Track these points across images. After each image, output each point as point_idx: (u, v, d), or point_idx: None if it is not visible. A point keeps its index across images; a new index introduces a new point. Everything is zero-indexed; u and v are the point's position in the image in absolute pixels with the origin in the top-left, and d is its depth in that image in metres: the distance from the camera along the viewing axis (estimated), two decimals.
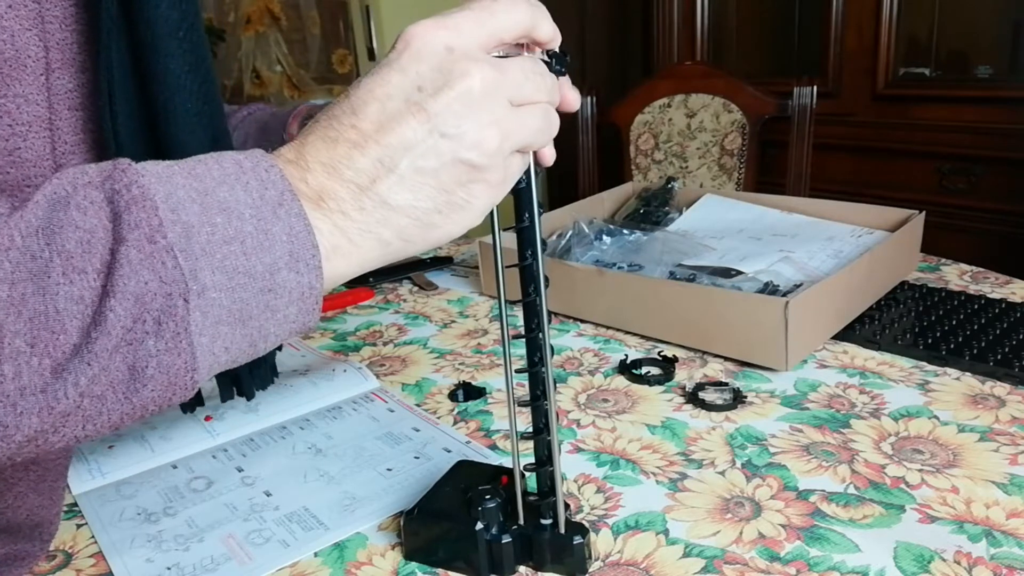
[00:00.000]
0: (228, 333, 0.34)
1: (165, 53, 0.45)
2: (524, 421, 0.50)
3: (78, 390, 0.32)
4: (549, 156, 0.44)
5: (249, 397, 0.60)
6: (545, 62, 0.43)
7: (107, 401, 0.33)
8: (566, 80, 0.45)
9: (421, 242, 0.38)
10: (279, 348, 0.55)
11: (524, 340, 0.47)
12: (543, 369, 0.47)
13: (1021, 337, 0.78)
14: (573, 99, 0.44)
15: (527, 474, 0.50)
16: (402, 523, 0.52)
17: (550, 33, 0.42)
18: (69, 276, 0.31)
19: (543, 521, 0.50)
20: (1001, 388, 0.71)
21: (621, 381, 0.77)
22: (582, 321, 0.93)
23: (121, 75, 0.44)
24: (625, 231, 1.04)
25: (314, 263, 0.35)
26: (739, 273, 0.89)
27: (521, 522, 0.50)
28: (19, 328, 0.30)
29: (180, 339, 0.33)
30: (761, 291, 0.84)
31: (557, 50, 0.45)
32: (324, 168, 0.36)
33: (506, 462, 0.64)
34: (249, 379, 0.64)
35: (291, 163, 0.36)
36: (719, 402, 0.71)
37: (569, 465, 0.63)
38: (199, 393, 0.55)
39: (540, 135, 0.39)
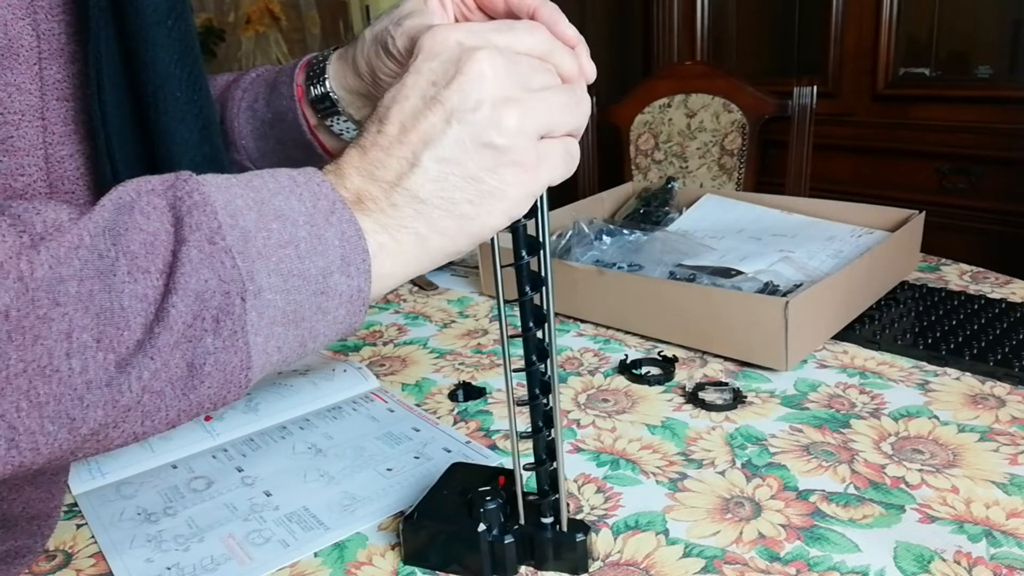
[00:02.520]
0: (282, 333, 0.36)
1: (154, 43, 0.46)
2: (524, 421, 0.50)
3: (141, 384, 0.33)
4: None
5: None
6: None
7: (166, 397, 0.34)
8: (584, 50, 0.45)
9: (461, 235, 0.39)
10: None
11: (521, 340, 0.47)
12: (541, 368, 0.47)
13: (1021, 337, 0.78)
14: (589, 70, 0.44)
15: (527, 474, 0.50)
16: (400, 528, 0.52)
17: (572, 37, 0.44)
18: (134, 275, 0.33)
19: (544, 520, 0.50)
20: (1001, 388, 0.71)
21: (621, 381, 0.78)
22: (582, 321, 0.93)
23: (110, 65, 0.44)
24: (625, 231, 1.04)
25: (364, 267, 0.37)
26: (739, 273, 0.89)
27: (522, 522, 0.50)
28: (87, 323, 0.32)
29: (237, 337, 0.34)
30: (761, 291, 0.84)
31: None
32: (358, 172, 0.38)
33: (506, 462, 0.64)
34: None
35: (331, 173, 0.38)
36: (719, 402, 0.71)
37: (569, 465, 0.63)
38: None
39: (567, 113, 0.39)
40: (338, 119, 0.59)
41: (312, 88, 0.59)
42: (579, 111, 0.40)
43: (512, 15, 0.48)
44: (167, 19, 0.46)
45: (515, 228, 0.44)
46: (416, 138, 0.37)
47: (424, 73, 0.38)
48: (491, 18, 0.50)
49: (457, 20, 0.51)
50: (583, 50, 0.45)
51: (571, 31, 0.45)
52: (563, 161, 0.40)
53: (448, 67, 0.37)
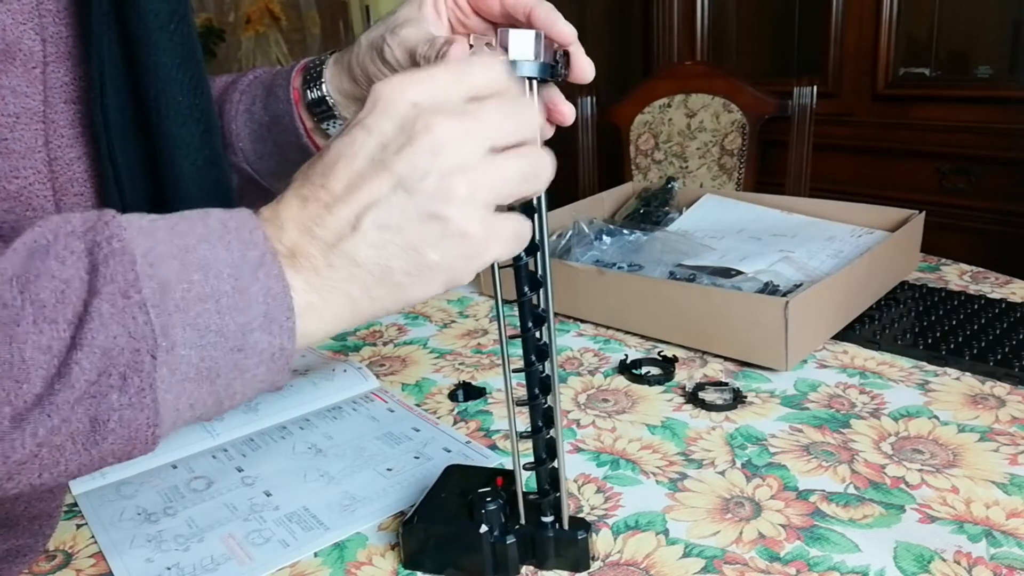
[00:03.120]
0: (194, 390, 0.34)
1: (156, 47, 0.46)
2: (524, 421, 0.50)
3: (36, 440, 0.31)
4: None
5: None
6: (551, 65, 0.43)
7: (65, 452, 0.33)
8: (558, 93, 0.44)
9: (391, 302, 0.37)
10: None
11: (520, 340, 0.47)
12: (540, 368, 0.47)
13: (1021, 337, 0.78)
14: (567, 113, 0.43)
15: (526, 473, 0.50)
16: (400, 532, 0.52)
17: (568, 34, 0.43)
18: (39, 326, 0.31)
19: (544, 519, 0.50)
20: (1001, 388, 0.71)
21: (621, 381, 0.77)
22: (582, 321, 0.93)
23: (112, 69, 0.44)
24: (625, 231, 1.04)
25: (288, 325, 0.35)
26: (739, 273, 0.89)
27: (523, 522, 0.50)
28: None
29: (144, 395, 0.33)
30: (761, 291, 0.84)
31: (564, 51, 0.45)
32: (296, 227, 0.36)
33: (506, 462, 0.64)
34: None
35: (268, 222, 0.36)
36: (719, 402, 0.71)
37: (569, 465, 0.63)
38: None
39: (525, 182, 0.37)
40: (334, 123, 0.59)
41: (308, 92, 0.59)
42: (537, 181, 0.37)
43: (508, 16, 0.48)
44: (169, 23, 0.46)
45: None
46: (360, 200, 0.35)
47: (375, 134, 0.35)
48: (488, 22, 0.51)
49: (452, 26, 0.51)
50: (579, 49, 0.45)
51: (567, 29, 0.45)
52: (512, 240, 0.37)
53: (399, 134, 0.35)
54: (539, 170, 0.37)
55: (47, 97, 0.43)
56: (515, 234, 0.37)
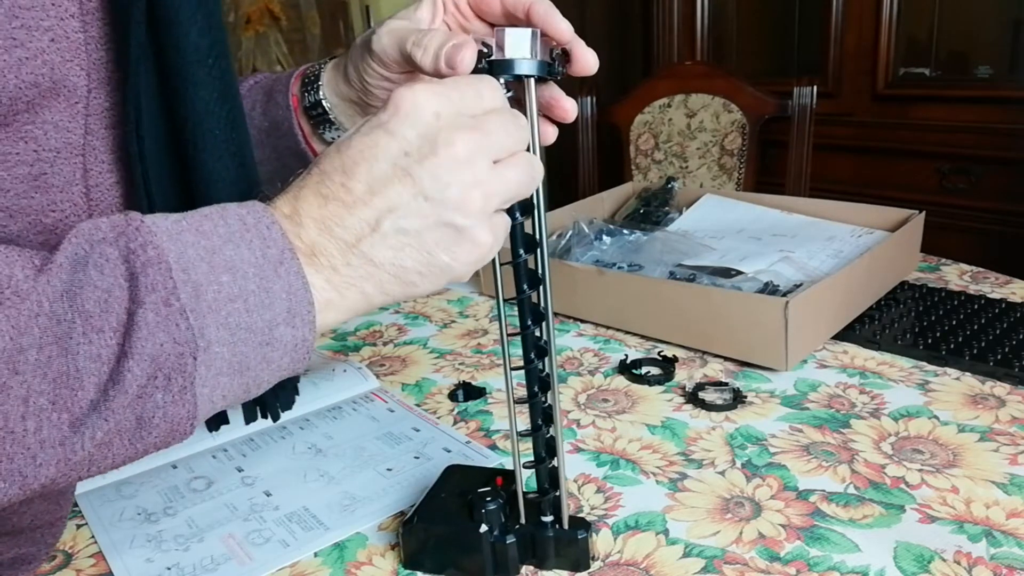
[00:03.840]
0: (227, 383, 0.36)
1: (194, 80, 0.46)
2: (524, 421, 0.50)
3: (93, 443, 0.34)
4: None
5: (275, 419, 0.61)
6: (548, 63, 0.43)
7: (113, 448, 0.35)
8: (559, 90, 0.45)
9: (400, 296, 0.40)
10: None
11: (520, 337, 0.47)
12: (539, 365, 0.47)
13: (1021, 337, 0.78)
14: (569, 108, 0.45)
15: (526, 473, 0.50)
16: (400, 532, 0.52)
17: (565, 31, 0.44)
18: (88, 336, 0.33)
19: (544, 519, 0.50)
20: (1001, 388, 0.71)
21: (621, 381, 0.77)
22: (582, 321, 0.93)
23: (148, 99, 0.45)
24: (625, 231, 1.04)
25: (309, 318, 0.37)
26: (739, 273, 0.89)
27: (523, 521, 0.50)
28: (44, 388, 0.32)
29: (186, 392, 0.35)
30: (761, 291, 0.84)
31: (562, 49, 0.45)
32: (316, 224, 0.38)
33: (506, 462, 0.64)
34: (274, 401, 0.64)
35: (287, 218, 0.38)
36: (719, 402, 0.71)
37: (569, 465, 0.63)
38: (224, 413, 0.56)
39: (523, 187, 0.40)
40: (330, 128, 0.60)
41: (306, 95, 0.59)
42: (534, 184, 0.41)
43: (509, 15, 0.48)
44: (207, 58, 0.46)
45: (512, 226, 0.44)
46: (381, 203, 0.37)
47: (397, 139, 0.37)
48: (487, 23, 0.51)
49: (451, 29, 0.52)
50: (579, 42, 0.45)
51: (565, 25, 0.45)
52: (504, 235, 0.41)
53: (422, 142, 0.37)
54: (534, 175, 0.41)
55: (88, 126, 0.43)
56: (506, 229, 0.41)
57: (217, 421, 0.62)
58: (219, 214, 0.37)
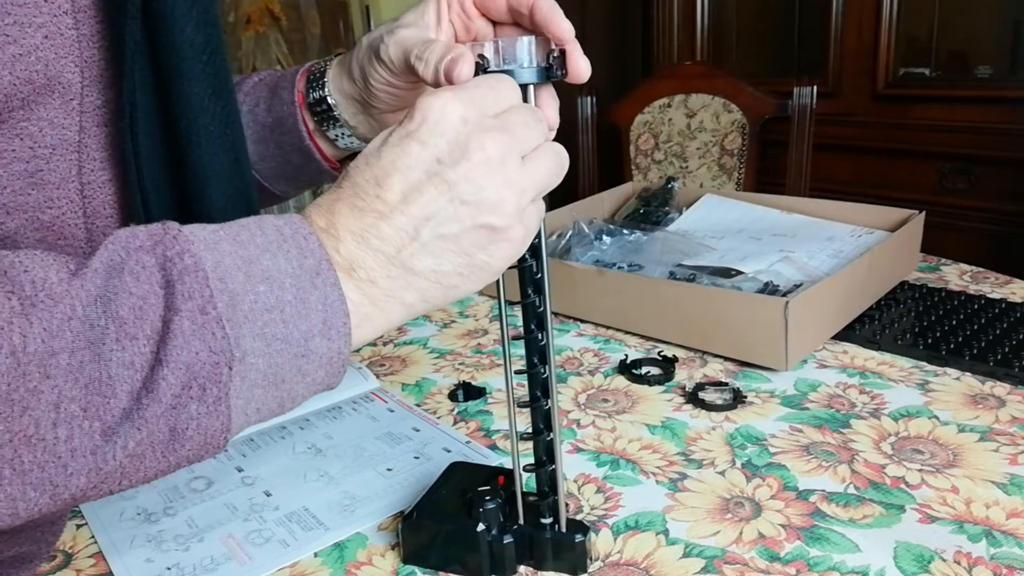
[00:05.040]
0: (261, 395, 0.36)
1: (189, 77, 0.46)
2: (524, 421, 0.50)
3: (125, 452, 0.33)
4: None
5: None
6: (546, 68, 0.44)
7: (146, 460, 0.34)
8: (576, 48, 0.45)
9: (442, 302, 0.40)
10: None
11: (523, 341, 0.47)
12: (542, 370, 0.47)
13: (1021, 337, 0.78)
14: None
15: (526, 474, 0.50)
16: (400, 527, 0.52)
17: (566, 31, 0.44)
18: (122, 342, 0.33)
19: (543, 520, 0.50)
20: (1001, 388, 0.71)
21: (621, 381, 0.77)
22: (582, 321, 0.93)
23: (143, 97, 0.44)
24: (625, 231, 1.04)
25: (344, 331, 0.37)
26: (739, 273, 0.89)
27: (521, 522, 0.50)
28: (75, 394, 0.32)
29: (220, 403, 0.34)
30: (761, 291, 0.84)
31: (561, 51, 0.46)
32: (354, 237, 0.38)
33: (506, 462, 0.64)
34: None
35: (323, 231, 0.38)
36: (719, 402, 0.71)
37: (569, 465, 0.63)
38: None
39: (552, 177, 0.41)
40: (334, 125, 0.60)
41: (311, 92, 0.60)
42: (562, 172, 0.41)
43: (513, 13, 0.49)
44: (202, 54, 0.46)
45: None
46: (418, 211, 0.37)
47: (429, 148, 0.38)
48: (491, 21, 0.51)
49: (457, 33, 0.52)
50: (575, 48, 0.45)
51: (566, 25, 0.45)
52: (538, 223, 0.41)
53: (455, 149, 0.37)
54: (561, 162, 0.41)
55: (82, 123, 0.43)
56: (539, 220, 0.42)
57: None
58: (256, 224, 0.37)
